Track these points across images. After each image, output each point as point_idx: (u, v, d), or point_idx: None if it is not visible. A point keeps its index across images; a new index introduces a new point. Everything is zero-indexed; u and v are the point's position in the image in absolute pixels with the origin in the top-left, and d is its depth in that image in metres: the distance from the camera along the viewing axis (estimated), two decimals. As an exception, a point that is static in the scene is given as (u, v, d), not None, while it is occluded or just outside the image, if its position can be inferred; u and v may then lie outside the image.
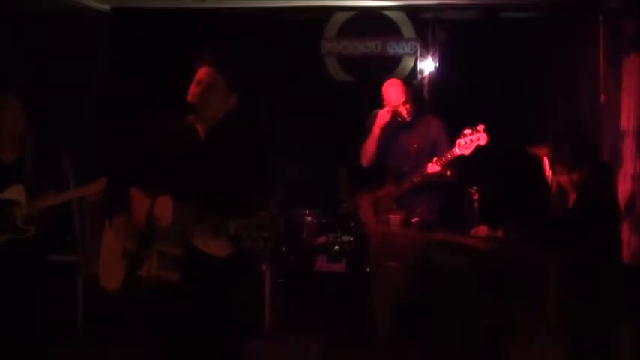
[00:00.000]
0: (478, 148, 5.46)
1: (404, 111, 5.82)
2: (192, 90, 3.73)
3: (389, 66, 7.45)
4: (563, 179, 4.58)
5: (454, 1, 6.98)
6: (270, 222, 3.43)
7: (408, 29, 7.46)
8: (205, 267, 3.63)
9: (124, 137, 4.02)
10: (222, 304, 3.73)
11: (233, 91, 3.78)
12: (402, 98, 5.80)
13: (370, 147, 5.97)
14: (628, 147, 6.30)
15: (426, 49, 7.45)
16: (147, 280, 3.58)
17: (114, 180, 3.97)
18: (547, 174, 4.89)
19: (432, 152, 5.77)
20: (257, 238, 3.43)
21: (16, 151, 4.66)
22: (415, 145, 5.89)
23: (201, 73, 3.74)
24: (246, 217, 3.44)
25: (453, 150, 5.53)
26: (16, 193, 4.56)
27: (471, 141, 5.45)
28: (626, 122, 6.36)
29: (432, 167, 5.62)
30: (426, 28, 7.44)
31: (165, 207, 3.58)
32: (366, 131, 6.18)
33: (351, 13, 7.52)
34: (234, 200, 3.56)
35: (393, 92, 5.83)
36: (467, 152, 5.48)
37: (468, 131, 5.49)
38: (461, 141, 5.50)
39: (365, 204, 6.16)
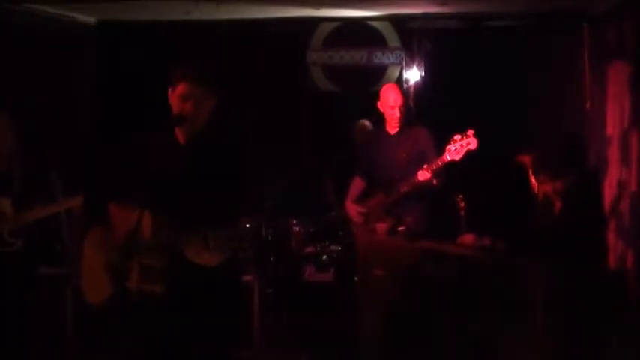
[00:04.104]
0: (468, 154, 5.45)
1: (399, 114, 5.82)
2: (177, 106, 3.75)
3: (374, 76, 7.49)
4: (548, 188, 4.57)
5: (438, 11, 7.01)
6: (246, 231, 3.46)
7: (393, 39, 7.50)
8: (195, 277, 3.64)
9: (104, 151, 4.03)
10: (213, 314, 3.74)
11: (211, 95, 3.81)
12: (400, 101, 5.82)
13: None
14: (613, 153, 6.33)
15: (411, 59, 7.49)
16: (133, 292, 3.58)
17: (90, 194, 3.96)
18: (533, 182, 4.91)
19: (421, 161, 5.74)
20: (235, 248, 3.46)
21: (2, 165, 4.66)
22: (404, 155, 5.87)
23: (181, 88, 3.76)
24: (224, 227, 3.46)
25: (444, 156, 5.50)
26: (2, 205, 4.56)
27: (462, 146, 5.43)
28: (611, 128, 6.39)
29: (423, 174, 5.57)
30: (411, 37, 7.48)
31: (148, 220, 3.60)
32: (350, 141, 6.16)
33: (337, 24, 7.56)
34: (214, 211, 3.58)
35: (393, 94, 5.84)
36: (457, 158, 5.46)
37: (457, 137, 5.47)
38: (451, 147, 5.47)
39: (354, 213, 6.16)
